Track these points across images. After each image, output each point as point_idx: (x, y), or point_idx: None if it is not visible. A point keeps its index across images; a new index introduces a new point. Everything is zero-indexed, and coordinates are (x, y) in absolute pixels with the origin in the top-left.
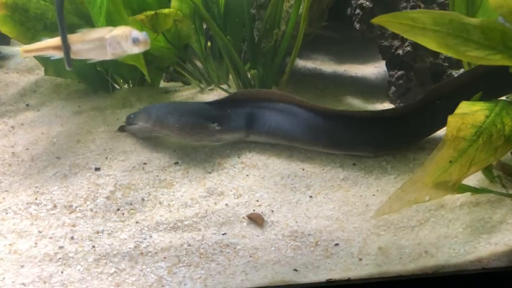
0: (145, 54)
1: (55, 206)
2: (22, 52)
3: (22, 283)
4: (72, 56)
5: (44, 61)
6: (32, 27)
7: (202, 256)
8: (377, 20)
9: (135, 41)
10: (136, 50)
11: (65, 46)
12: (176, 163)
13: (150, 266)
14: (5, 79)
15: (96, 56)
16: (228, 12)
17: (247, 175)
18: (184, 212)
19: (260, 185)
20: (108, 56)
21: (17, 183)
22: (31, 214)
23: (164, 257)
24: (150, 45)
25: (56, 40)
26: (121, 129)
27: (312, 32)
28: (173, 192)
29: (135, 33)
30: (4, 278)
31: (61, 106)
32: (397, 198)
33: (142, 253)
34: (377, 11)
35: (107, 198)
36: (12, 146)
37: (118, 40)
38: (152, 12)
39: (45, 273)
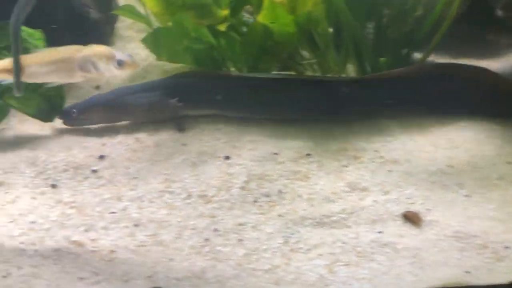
0: (266, 39)
1: (189, 195)
2: None
3: (176, 278)
4: (27, 79)
5: (154, 46)
6: (173, 2)
7: (360, 255)
8: None
9: (120, 63)
10: (119, 73)
11: (17, 69)
12: (308, 154)
13: (306, 263)
14: None
15: (59, 78)
16: None
17: (389, 171)
18: (328, 207)
19: (407, 182)
20: (77, 78)
21: (145, 169)
22: (166, 203)
23: (319, 255)
24: (276, 30)
25: (6, 62)
26: (68, 123)
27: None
28: (311, 185)
29: (120, 54)
30: (156, 272)
31: None
32: None
33: (292, 250)
34: None
35: (242, 188)
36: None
37: (94, 61)
38: None
39: (197, 268)
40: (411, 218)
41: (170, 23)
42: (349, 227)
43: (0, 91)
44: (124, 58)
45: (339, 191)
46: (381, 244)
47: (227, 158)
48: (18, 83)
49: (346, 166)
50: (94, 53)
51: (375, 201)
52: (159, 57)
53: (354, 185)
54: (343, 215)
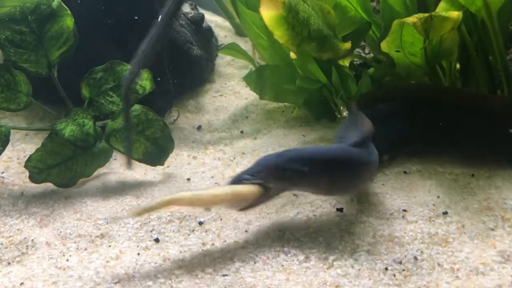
0: (383, 74)
1: (307, 258)
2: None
3: None
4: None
5: (257, 84)
6: (299, 32)
7: None
8: None
9: None
10: None
11: (130, 141)
12: (445, 213)
13: None
14: (213, 103)
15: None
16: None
17: None
18: (479, 281)
19: None
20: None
21: (255, 222)
22: (282, 265)
23: None
24: (400, 60)
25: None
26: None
27: None
28: (453, 252)
29: None
30: None
31: (282, 135)
32: None
33: None
34: None
35: (368, 252)
36: None
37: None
38: (426, 15)
39: None
40: None
41: (292, 55)
42: None
43: (106, 134)
44: None
45: (489, 261)
46: None
47: (340, 210)
48: (130, 159)
49: (493, 230)
50: None
51: None
52: (262, 97)
53: (508, 254)
54: None
